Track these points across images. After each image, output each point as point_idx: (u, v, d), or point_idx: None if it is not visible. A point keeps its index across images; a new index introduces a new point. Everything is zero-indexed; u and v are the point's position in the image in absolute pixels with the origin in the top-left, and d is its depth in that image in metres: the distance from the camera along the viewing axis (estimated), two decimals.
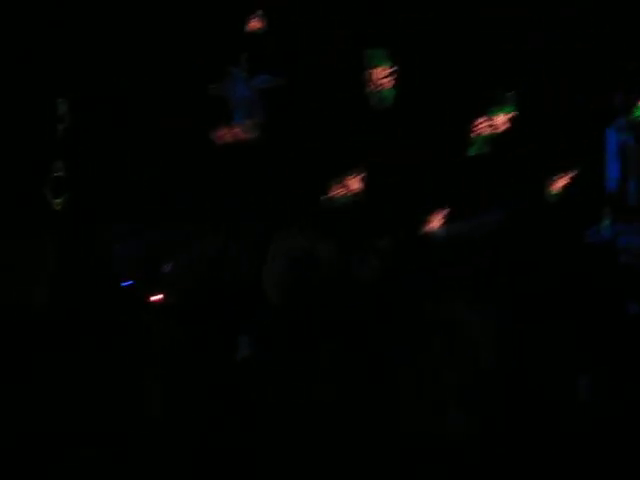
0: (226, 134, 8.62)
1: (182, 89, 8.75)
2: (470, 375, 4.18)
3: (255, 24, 8.71)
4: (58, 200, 8.24)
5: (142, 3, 8.65)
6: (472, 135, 8.57)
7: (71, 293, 5.78)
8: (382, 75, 8.51)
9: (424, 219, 8.46)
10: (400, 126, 8.66)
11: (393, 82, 8.53)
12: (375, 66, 8.48)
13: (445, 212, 8.51)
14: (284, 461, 5.32)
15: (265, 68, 8.90)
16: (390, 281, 7.32)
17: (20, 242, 4.15)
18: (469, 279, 6.22)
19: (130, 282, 6.69)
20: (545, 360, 6.00)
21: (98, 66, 8.66)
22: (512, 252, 7.76)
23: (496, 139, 8.53)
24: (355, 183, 8.61)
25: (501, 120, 8.46)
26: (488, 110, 8.52)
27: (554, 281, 7.20)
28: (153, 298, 5.62)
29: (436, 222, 8.49)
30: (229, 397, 5.26)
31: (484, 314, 4.17)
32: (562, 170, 8.40)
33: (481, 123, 8.46)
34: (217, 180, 8.63)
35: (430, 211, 8.52)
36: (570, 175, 8.42)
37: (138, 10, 8.59)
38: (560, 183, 8.46)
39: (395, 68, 8.54)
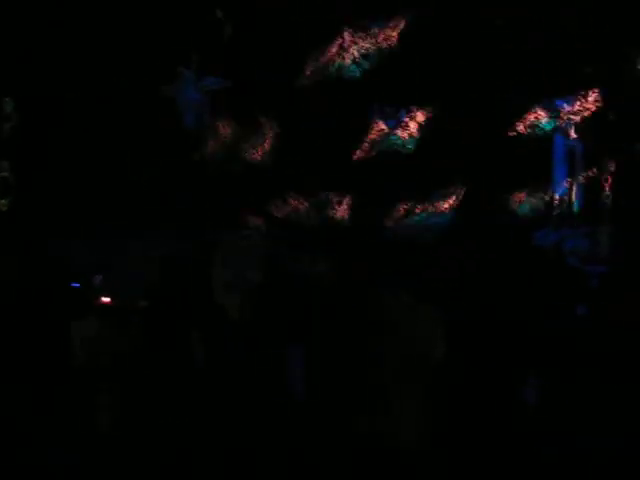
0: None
1: (130, 90, 8.66)
2: (418, 373, 4.20)
3: (208, 26, 8.67)
4: (3, 201, 8.10)
5: (94, 3, 8.56)
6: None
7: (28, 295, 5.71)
8: None
9: (375, 221, 8.50)
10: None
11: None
12: None
13: (395, 213, 8.56)
14: (236, 459, 5.29)
15: (214, 70, 8.86)
16: (338, 282, 7.34)
17: None
18: (420, 279, 6.26)
19: (77, 285, 6.59)
20: (492, 361, 6.05)
21: (44, 65, 8.54)
22: (462, 255, 7.82)
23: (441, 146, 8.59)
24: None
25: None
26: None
27: (502, 283, 7.27)
28: (102, 300, 5.54)
29: (388, 222, 8.54)
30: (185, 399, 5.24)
31: (432, 313, 4.20)
32: (512, 177, 8.47)
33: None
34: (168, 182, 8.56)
35: (380, 213, 8.57)
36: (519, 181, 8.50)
37: (89, 9, 8.49)
38: (510, 189, 8.55)
39: None
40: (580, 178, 8.45)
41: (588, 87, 8.17)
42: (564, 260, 7.79)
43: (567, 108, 8.36)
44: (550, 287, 7.18)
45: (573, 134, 8.36)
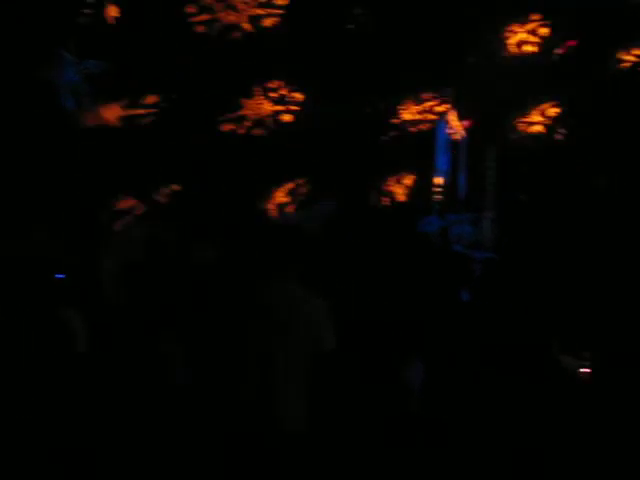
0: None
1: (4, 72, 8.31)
2: (302, 358, 4.17)
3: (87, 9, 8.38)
4: None
5: None
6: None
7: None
8: None
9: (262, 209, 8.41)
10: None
11: None
12: None
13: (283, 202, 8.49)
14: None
15: (94, 53, 8.59)
16: (224, 268, 7.25)
17: None
18: (304, 265, 6.23)
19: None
20: (377, 344, 6.08)
21: None
22: (347, 241, 7.83)
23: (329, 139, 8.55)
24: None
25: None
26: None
27: (388, 268, 7.30)
28: None
29: (275, 211, 8.46)
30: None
31: (318, 300, 4.16)
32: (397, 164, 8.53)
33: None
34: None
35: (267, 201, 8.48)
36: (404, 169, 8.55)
37: None
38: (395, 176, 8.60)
39: None
40: (464, 166, 8.57)
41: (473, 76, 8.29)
42: (449, 246, 7.89)
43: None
44: (435, 273, 7.25)
45: (456, 123, 8.48)
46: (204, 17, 8.16)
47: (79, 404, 5.03)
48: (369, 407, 5.84)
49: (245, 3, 7.99)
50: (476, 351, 6.48)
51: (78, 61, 8.45)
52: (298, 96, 8.24)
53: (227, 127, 8.36)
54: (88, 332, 5.25)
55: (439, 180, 8.62)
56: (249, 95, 8.29)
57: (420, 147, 8.63)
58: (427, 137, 8.68)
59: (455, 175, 8.66)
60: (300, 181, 8.63)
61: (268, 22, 7.96)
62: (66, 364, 5.02)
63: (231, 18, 8.07)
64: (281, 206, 8.55)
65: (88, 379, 5.18)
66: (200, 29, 8.17)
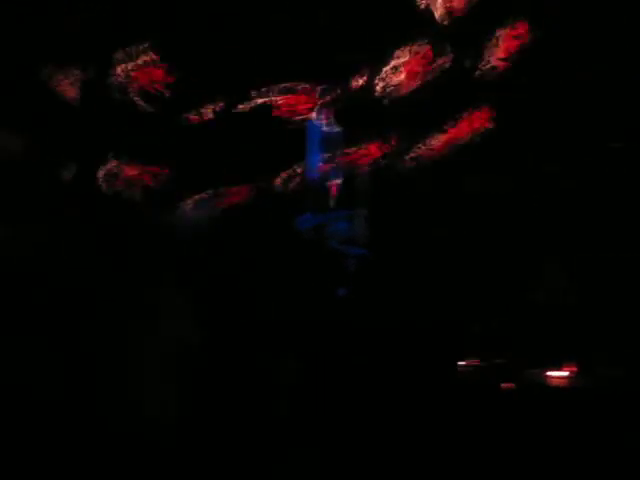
0: None
1: None
2: (174, 358, 4.17)
3: None
4: None
5: None
6: None
7: None
8: None
9: None
10: None
11: None
12: None
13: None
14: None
15: None
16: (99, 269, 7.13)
17: None
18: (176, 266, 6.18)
19: None
20: (250, 344, 6.12)
21: None
22: (223, 241, 7.80)
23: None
24: None
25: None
26: None
27: (264, 266, 7.34)
28: None
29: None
30: None
31: (189, 301, 4.17)
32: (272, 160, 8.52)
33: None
34: None
35: None
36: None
37: None
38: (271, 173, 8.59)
39: None
40: (337, 162, 8.65)
41: (350, 74, 8.36)
42: (325, 243, 7.97)
43: (327, 93, 8.52)
44: (312, 270, 7.33)
45: (331, 118, 8.54)
46: None
47: None
48: (244, 407, 5.88)
49: None
50: (352, 346, 6.61)
51: None
52: None
53: None
54: None
55: (313, 177, 8.68)
56: None
57: (293, 142, 8.67)
58: (300, 132, 8.72)
59: (328, 170, 8.73)
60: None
61: None
62: None
63: None
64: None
65: None
66: None
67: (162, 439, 4.22)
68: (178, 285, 4.58)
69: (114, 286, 4.81)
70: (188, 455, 4.70)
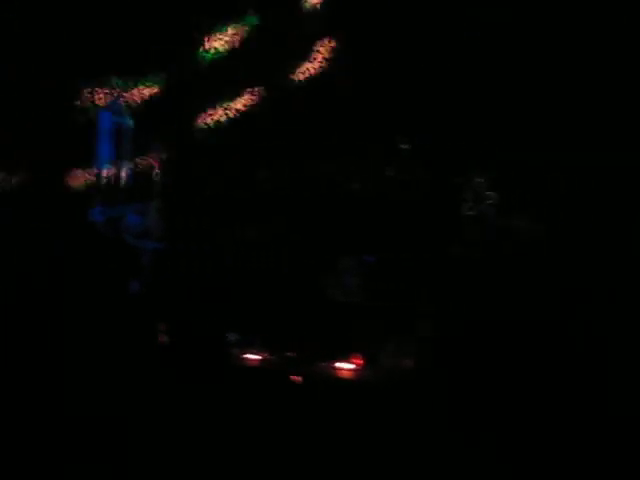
0: None
1: None
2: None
3: None
4: None
5: None
6: None
7: None
8: None
9: None
10: None
11: None
12: None
13: None
14: None
15: None
16: None
17: None
18: None
19: None
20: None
21: None
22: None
23: None
24: None
25: None
26: None
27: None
28: None
29: None
30: None
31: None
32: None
33: None
34: None
35: None
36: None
37: None
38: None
39: None
40: (129, 155, 8.59)
41: (149, 68, 8.33)
42: (120, 237, 7.86)
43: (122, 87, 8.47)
44: (106, 264, 7.22)
45: (124, 113, 8.47)
46: None
47: None
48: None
49: None
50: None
51: None
52: None
53: None
54: None
55: (102, 169, 8.57)
56: None
57: (81, 135, 8.54)
58: (90, 125, 8.60)
59: (119, 164, 8.64)
60: None
61: None
62: None
63: None
64: None
65: None
66: None
67: None
68: None
69: None
70: None
